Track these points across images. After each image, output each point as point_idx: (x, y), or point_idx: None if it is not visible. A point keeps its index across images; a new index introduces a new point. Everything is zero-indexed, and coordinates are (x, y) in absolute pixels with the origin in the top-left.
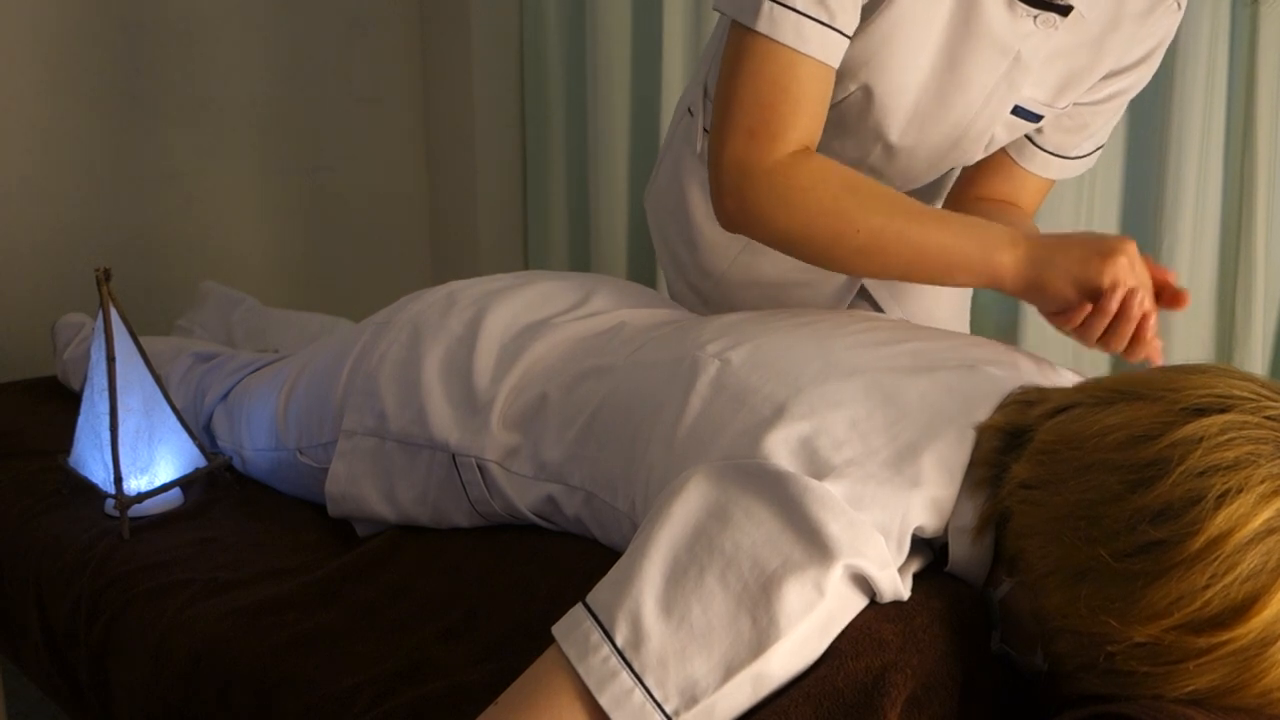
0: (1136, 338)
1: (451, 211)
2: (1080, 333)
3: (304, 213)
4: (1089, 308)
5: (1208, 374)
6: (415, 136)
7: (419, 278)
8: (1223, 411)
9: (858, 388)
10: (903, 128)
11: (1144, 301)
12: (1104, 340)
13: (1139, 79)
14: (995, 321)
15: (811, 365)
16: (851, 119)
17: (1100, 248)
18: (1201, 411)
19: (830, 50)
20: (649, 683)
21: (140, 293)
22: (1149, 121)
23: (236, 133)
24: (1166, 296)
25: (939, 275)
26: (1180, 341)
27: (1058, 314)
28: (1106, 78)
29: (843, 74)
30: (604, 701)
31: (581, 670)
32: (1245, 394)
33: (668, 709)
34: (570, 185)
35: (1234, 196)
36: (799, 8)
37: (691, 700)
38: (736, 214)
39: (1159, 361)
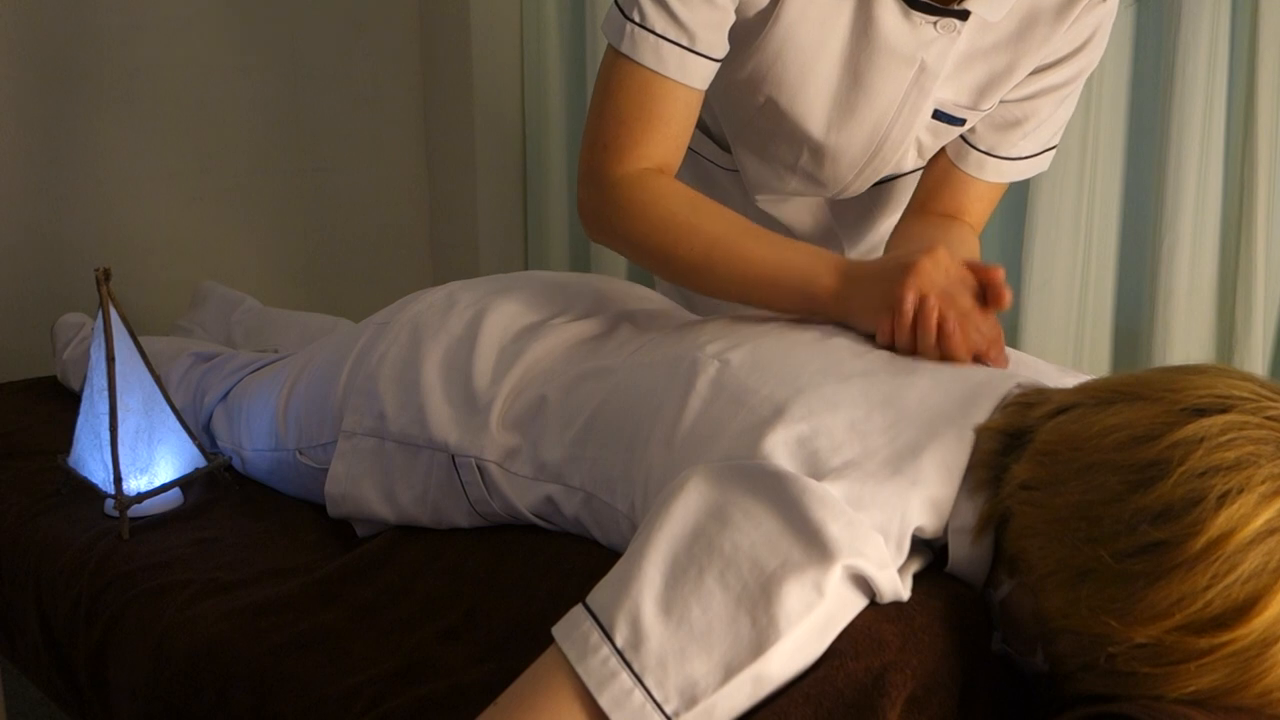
0: (942, 338)
1: (451, 211)
2: (898, 347)
3: (304, 213)
4: (889, 323)
5: (1208, 374)
6: (415, 136)
7: (419, 278)
8: (1223, 412)
9: (857, 389)
10: (821, 135)
11: (940, 306)
12: (915, 349)
13: (1075, 72)
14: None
15: (811, 366)
16: (771, 125)
17: (903, 262)
18: (1202, 412)
19: (690, 72)
20: (649, 683)
21: (140, 293)
22: (1149, 121)
23: (236, 132)
24: (991, 295)
25: (766, 296)
26: (1180, 341)
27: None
28: (1034, 73)
29: (752, 84)
30: (604, 702)
31: (581, 671)
32: (1245, 394)
33: (667, 710)
34: (570, 185)
35: (1234, 197)
36: (658, 31)
37: (691, 701)
38: (588, 222)
39: (993, 356)
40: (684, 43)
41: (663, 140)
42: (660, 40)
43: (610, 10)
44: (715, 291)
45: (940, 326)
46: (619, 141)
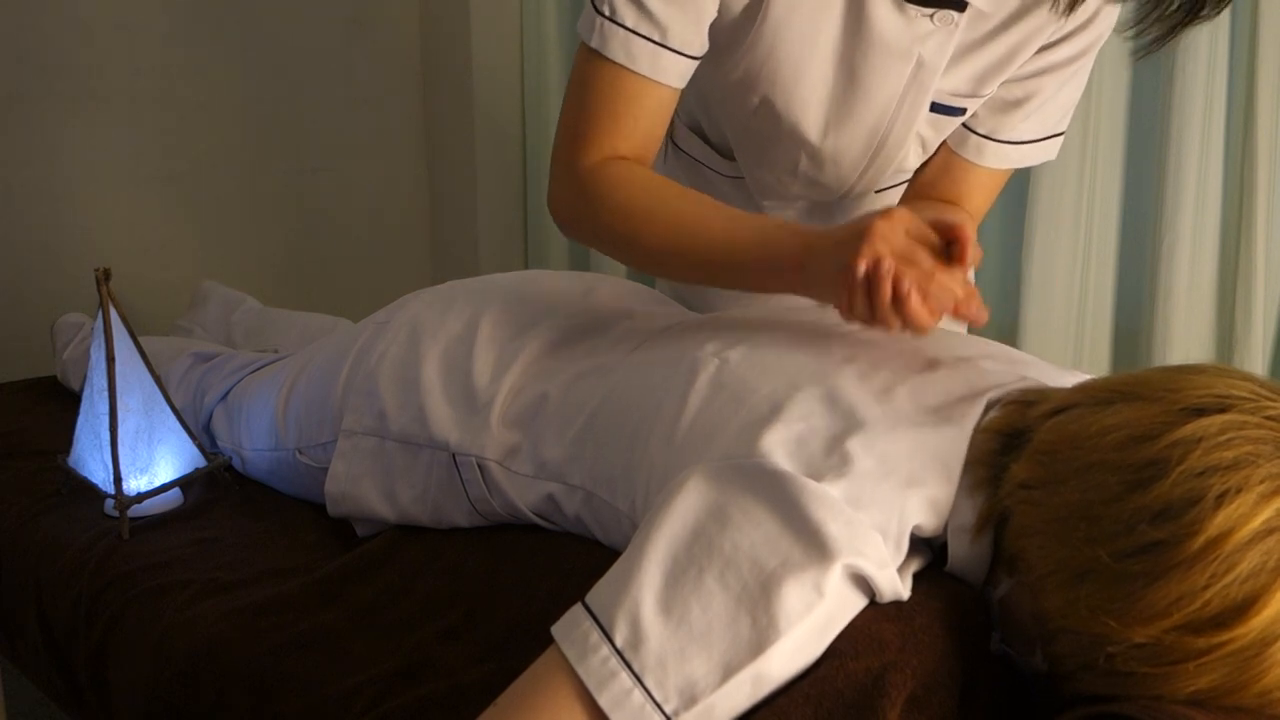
0: (898, 302)
1: (451, 211)
2: (856, 318)
3: (304, 213)
4: (845, 293)
5: (1207, 374)
6: (415, 136)
7: (419, 278)
8: (1222, 411)
9: (855, 387)
10: (819, 136)
11: (894, 268)
12: (873, 318)
13: (1080, 48)
14: (995, 322)
15: (810, 364)
16: (768, 128)
17: (857, 228)
18: (1201, 411)
19: (661, 68)
20: (648, 683)
21: (140, 293)
22: (1149, 121)
23: (236, 132)
24: (954, 252)
25: (731, 275)
26: (1180, 341)
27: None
28: (1038, 51)
29: (746, 86)
30: (603, 702)
31: (581, 671)
32: (1244, 394)
33: (667, 709)
34: None
35: (1234, 196)
36: (628, 25)
37: (691, 700)
38: (559, 215)
39: (968, 313)
40: (655, 38)
41: (632, 135)
42: (631, 35)
43: (585, 7)
44: (681, 276)
45: (895, 291)
46: (588, 135)
